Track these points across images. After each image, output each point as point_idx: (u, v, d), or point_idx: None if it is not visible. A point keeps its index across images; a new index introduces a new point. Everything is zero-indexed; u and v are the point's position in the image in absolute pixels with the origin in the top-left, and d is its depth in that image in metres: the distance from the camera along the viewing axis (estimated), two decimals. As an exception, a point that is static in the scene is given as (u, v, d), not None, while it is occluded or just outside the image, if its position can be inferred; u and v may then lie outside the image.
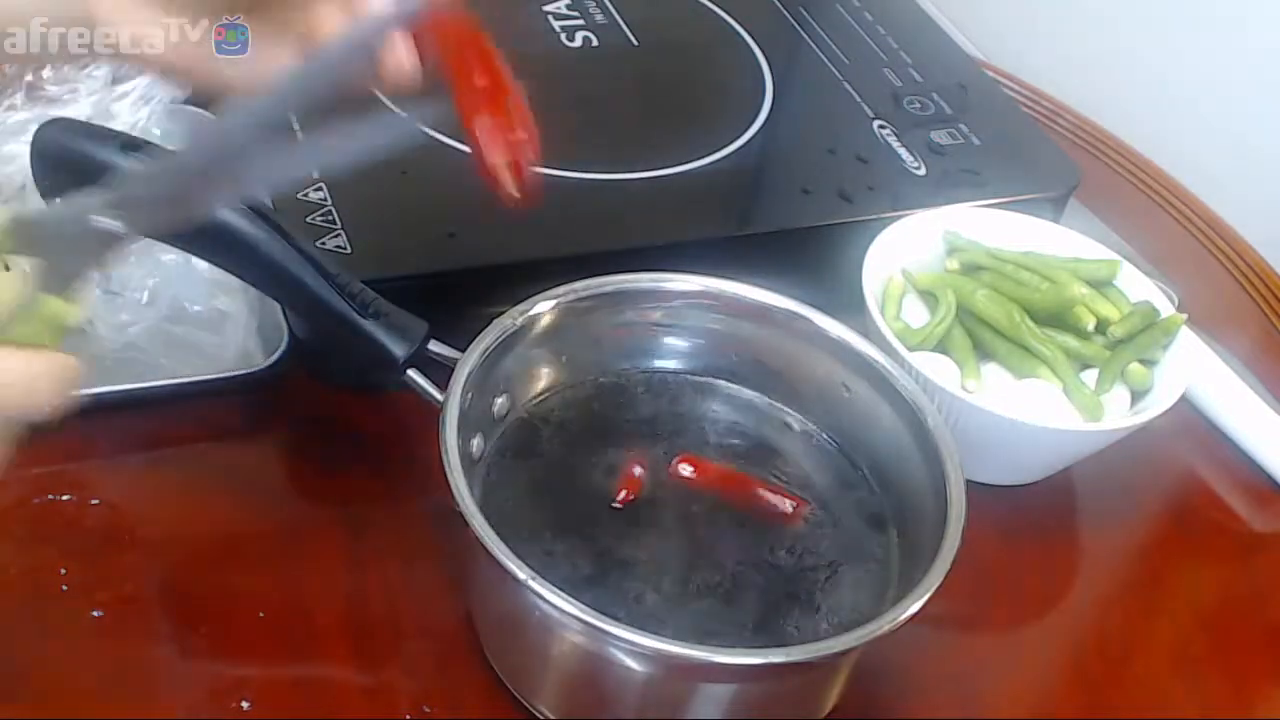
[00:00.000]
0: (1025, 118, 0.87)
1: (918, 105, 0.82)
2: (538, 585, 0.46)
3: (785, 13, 0.89)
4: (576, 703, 0.53)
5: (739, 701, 0.52)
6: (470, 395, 0.53)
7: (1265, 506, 0.72)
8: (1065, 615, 0.65)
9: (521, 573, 0.47)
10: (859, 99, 0.82)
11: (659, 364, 0.61)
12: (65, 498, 0.59)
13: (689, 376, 0.61)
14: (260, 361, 0.64)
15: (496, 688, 0.55)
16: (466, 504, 0.49)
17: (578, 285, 0.58)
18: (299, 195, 0.66)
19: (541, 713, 0.54)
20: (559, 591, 0.46)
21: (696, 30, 0.87)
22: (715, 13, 0.88)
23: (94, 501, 0.57)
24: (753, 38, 0.86)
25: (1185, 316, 0.68)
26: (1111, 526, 0.69)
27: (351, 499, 0.63)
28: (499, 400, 0.57)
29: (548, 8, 0.84)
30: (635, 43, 0.83)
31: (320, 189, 0.66)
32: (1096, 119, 0.96)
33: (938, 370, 0.64)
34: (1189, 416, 0.74)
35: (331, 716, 0.53)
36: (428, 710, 0.54)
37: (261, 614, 0.56)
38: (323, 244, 0.63)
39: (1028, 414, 0.63)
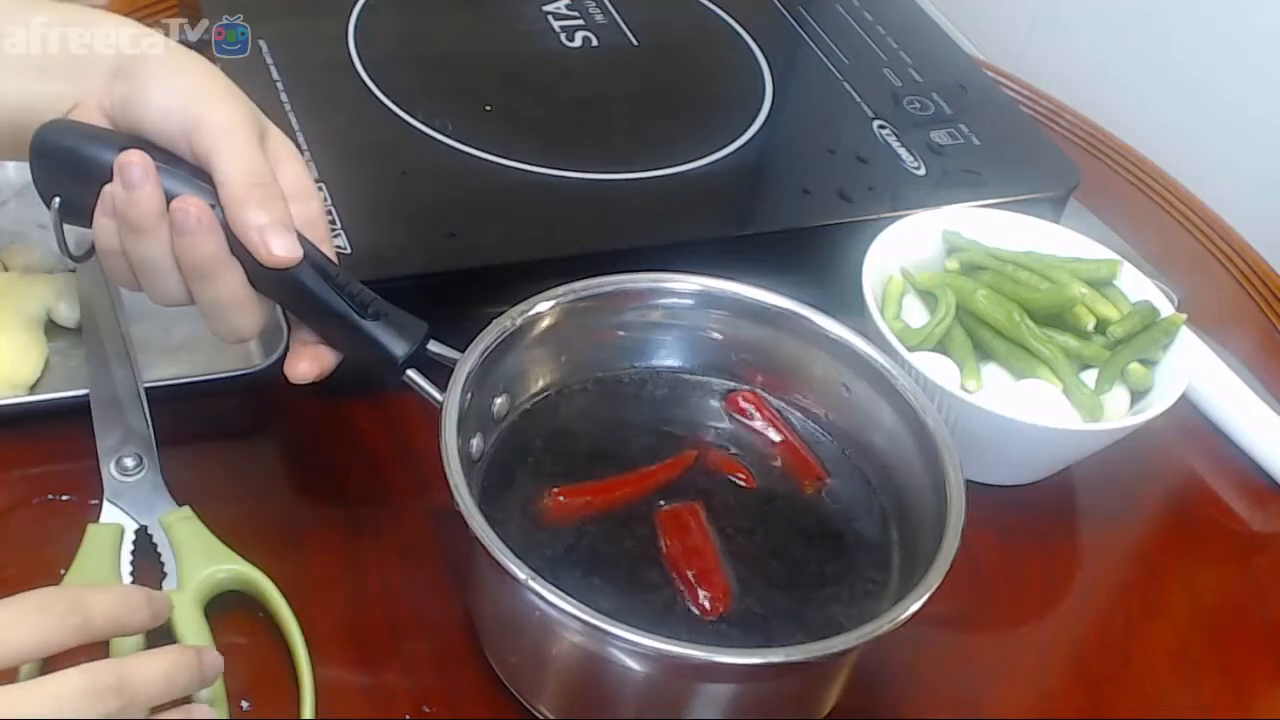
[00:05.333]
0: (1025, 118, 0.87)
1: (918, 105, 0.82)
2: (538, 585, 0.47)
3: (785, 13, 0.89)
4: (576, 703, 0.53)
5: (739, 701, 0.52)
6: (470, 395, 0.53)
7: (1265, 506, 0.72)
8: (1065, 615, 0.65)
9: (521, 573, 0.47)
10: (859, 99, 0.82)
11: (658, 364, 0.61)
12: (65, 498, 0.59)
13: (688, 376, 0.61)
14: (260, 361, 0.64)
15: (496, 688, 0.55)
16: (466, 504, 0.49)
17: (577, 285, 0.58)
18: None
19: (541, 713, 0.54)
20: (559, 591, 0.47)
21: (696, 30, 0.87)
22: (715, 13, 0.88)
23: (93, 501, 0.57)
24: (753, 38, 0.86)
25: (1185, 316, 0.68)
26: (1111, 526, 0.69)
27: (351, 499, 0.63)
28: (498, 400, 0.57)
29: (548, 8, 0.84)
30: (635, 43, 0.83)
31: (320, 189, 0.66)
32: (1096, 119, 0.96)
33: (938, 370, 0.64)
34: (1189, 416, 0.74)
35: (331, 717, 0.53)
36: (427, 710, 0.54)
37: (261, 614, 0.56)
38: (323, 244, 0.63)
39: (1028, 414, 0.63)
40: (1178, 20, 1.10)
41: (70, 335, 0.66)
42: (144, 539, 0.57)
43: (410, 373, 0.54)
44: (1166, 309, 0.69)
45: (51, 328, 0.66)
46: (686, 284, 0.60)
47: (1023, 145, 0.82)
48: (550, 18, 0.83)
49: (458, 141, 0.72)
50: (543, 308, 0.57)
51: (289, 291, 0.52)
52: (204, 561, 0.55)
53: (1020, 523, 0.67)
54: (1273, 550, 0.70)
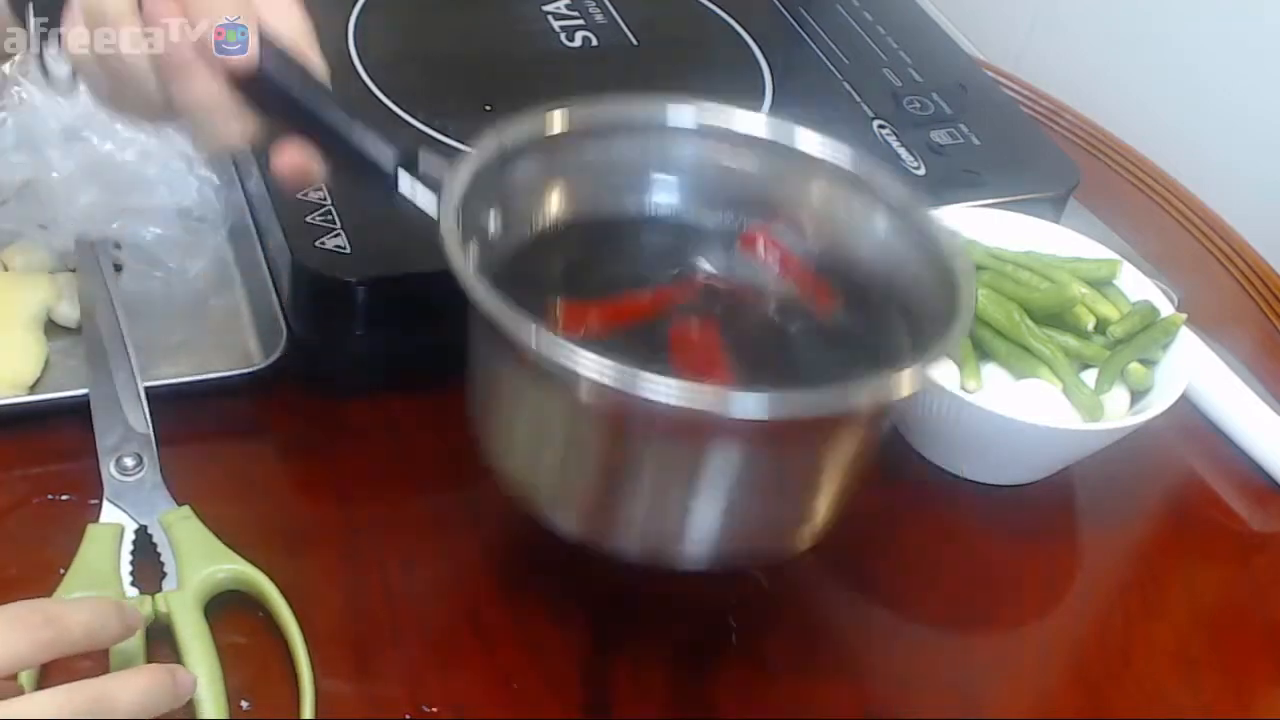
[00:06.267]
0: (1025, 118, 0.87)
1: (918, 105, 0.82)
2: (544, 336, 0.44)
3: (785, 13, 0.89)
4: (591, 499, 0.51)
5: (744, 467, 0.49)
6: (465, 205, 0.51)
7: (1265, 506, 0.72)
8: (1065, 615, 0.65)
9: (528, 329, 0.44)
10: (859, 99, 0.82)
11: (660, 193, 0.59)
12: (65, 498, 0.59)
13: (692, 207, 0.59)
14: (260, 361, 0.64)
15: (496, 687, 0.55)
16: (466, 274, 0.46)
17: (576, 110, 0.57)
18: (299, 195, 0.66)
19: (558, 526, 0.52)
20: (565, 341, 0.44)
21: (696, 30, 0.87)
22: (715, 13, 0.88)
23: (93, 501, 0.57)
24: (753, 38, 0.86)
25: (1185, 316, 0.68)
26: (1111, 526, 0.69)
27: (351, 499, 0.63)
28: (492, 212, 0.54)
29: (548, 8, 0.84)
30: (635, 43, 0.83)
31: (320, 189, 0.66)
32: (1096, 119, 0.96)
33: (938, 370, 0.64)
34: (1189, 416, 0.74)
35: (331, 717, 0.53)
36: (427, 710, 0.54)
37: (261, 614, 0.56)
38: (322, 243, 0.63)
39: (1028, 414, 0.63)
40: (1178, 20, 1.10)
41: (70, 335, 0.66)
42: (144, 539, 0.57)
43: (402, 174, 0.52)
44: (1166, 309, 0.69)
45: (51, 328, 0.66)
46: (682, 113, 0.59)
47: (1022, 145, 0.82)
48: (550, 18, 0.83)
49: (458, 141, 0.72)
50: (538, 128, 0.56)
51: (271, 96, 0.50)
52: (204, 561, 0.56)
53: (1020, 523, 0.67)
54: (1273, 550, 0.70)
